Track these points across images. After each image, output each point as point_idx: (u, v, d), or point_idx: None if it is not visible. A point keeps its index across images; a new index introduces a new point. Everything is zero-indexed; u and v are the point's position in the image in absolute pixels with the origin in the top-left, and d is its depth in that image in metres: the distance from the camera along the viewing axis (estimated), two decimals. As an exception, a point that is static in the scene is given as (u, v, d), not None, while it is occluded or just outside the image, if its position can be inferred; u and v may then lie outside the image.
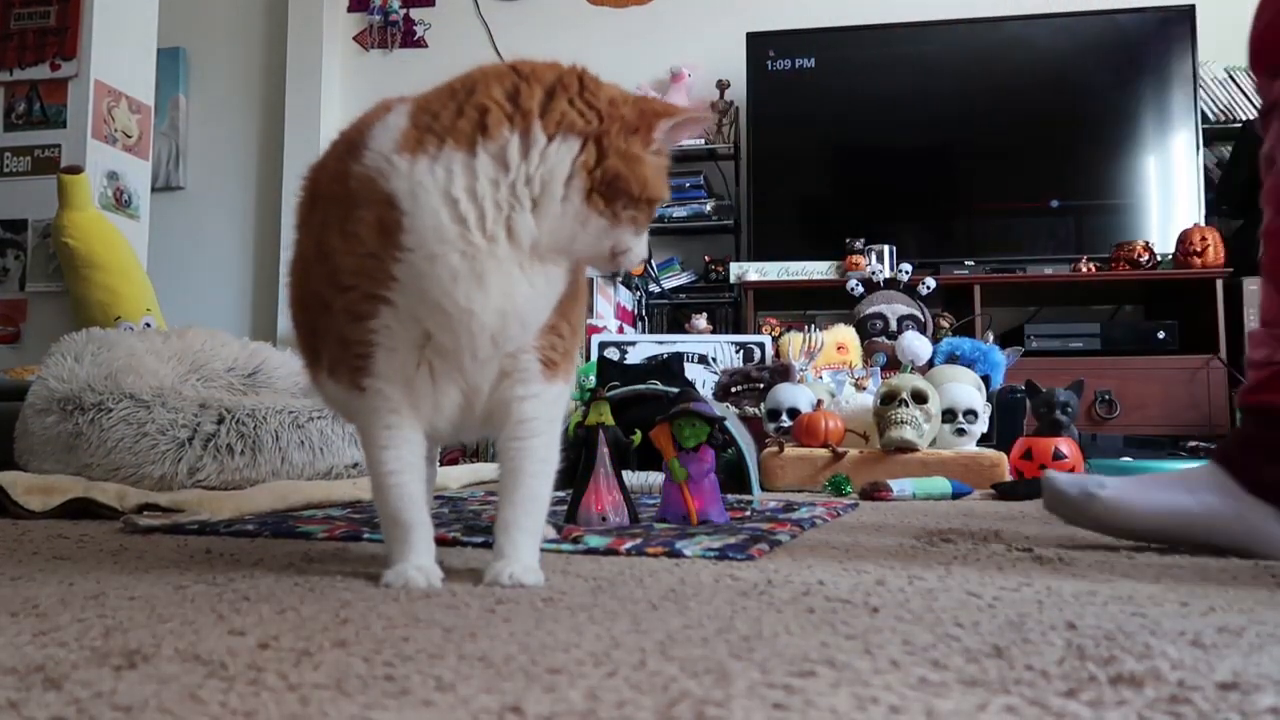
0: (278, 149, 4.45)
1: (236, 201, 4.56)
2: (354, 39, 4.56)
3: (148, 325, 2.78)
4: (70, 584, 0.88)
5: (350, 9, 4.56)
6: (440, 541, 1.06)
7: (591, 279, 3.06)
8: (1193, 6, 3.67)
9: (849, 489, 2.07)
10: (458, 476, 2.24)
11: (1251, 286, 3.36)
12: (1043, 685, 0.56)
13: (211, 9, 4.62)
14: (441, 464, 2.54)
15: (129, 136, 3.16)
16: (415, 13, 4.50)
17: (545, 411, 0.90)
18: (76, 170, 2.83)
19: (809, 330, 3.02)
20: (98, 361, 1.82)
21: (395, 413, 0.88)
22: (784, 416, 2.39)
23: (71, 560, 1.04)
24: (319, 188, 0.91)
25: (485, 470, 2.43)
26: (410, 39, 4.50)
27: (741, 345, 3.13)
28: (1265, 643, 0.67)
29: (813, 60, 3.91)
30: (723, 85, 4.07)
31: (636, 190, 0.83)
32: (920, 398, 2.22)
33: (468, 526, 1.30)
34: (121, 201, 3.11)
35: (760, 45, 3.93)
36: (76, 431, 1.70)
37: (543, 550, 1.12)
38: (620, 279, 3.56)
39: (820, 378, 2.73)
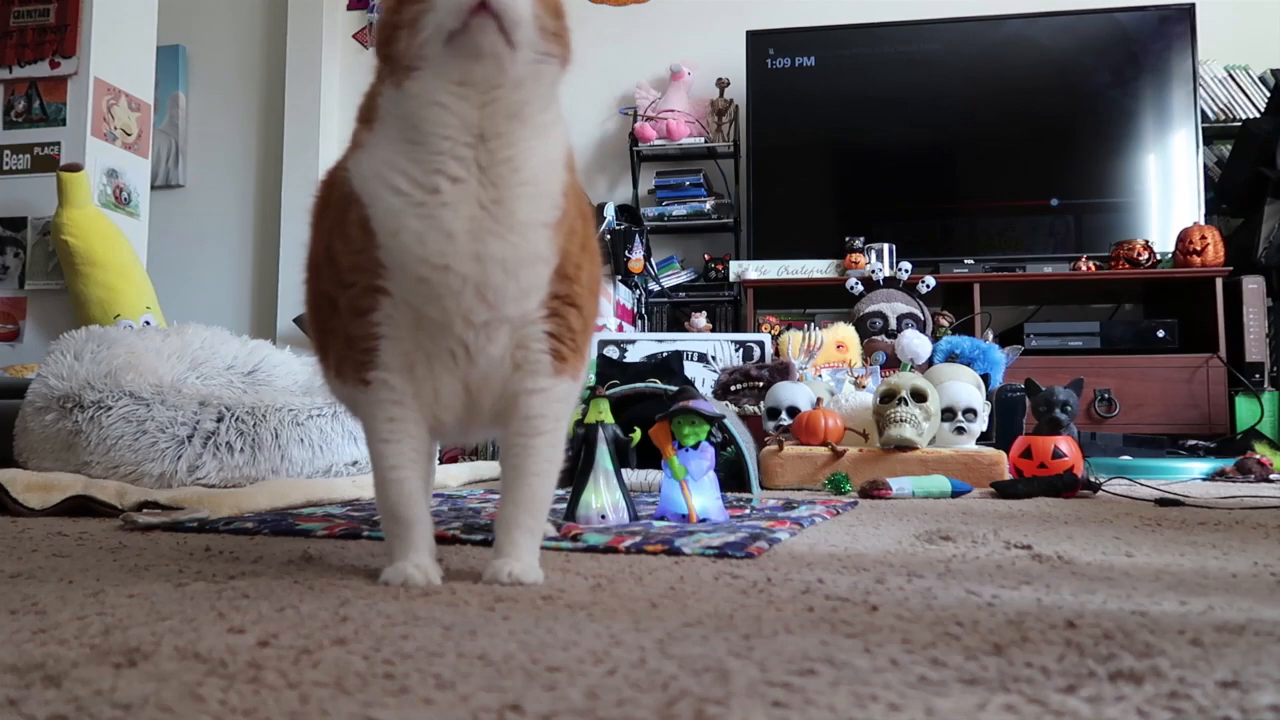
0: (277, 147, 4.45)
1: (236, 199, 4.55)
2: (354, 37, 4.55)
3: (147, 323, 2.78)
4: (70, 581, 0.88)
5: (350, 7, 4.56)
6: (440, 539, 1.06)
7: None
8: (1193, 5, 3.67)
9: (848, 487, 2.07)
10: (457, 475, 2.24)
11: (1251, 285, 3.36)
12: (1042, 682, 0.56)
13: (211, 6, 4.61)
14: (441, 462, 2.54)
15: (128, 134, 3.16)
16: (415, 10, 4.50)
17: (552, 409, 0.90)
18: (76, 168, 2.83)
19: (809, 328, 3.02)
20: (97, 359, 1.82)
21: (399, 404, 0.88)
22: (783, 415, 2.39)
23: (71, 558, 1.04)
24: (329, 192, 0.93)
25: (485, 468, 2.43)
26: (410, 37, 4.49)
27: (741, 343, 3.13)
28: (1265, 641, 0.67)
29: (813, 59, 3.91)
30: (723, 83, 4.07)
31: (397, 16, 0.82)
32: (920, 396, 2.22)
33: (467, 525, 1.30)
34: (121, 199, 3.11)
35: (760, 43, 3.92)
36: (76, 429, 1.70)
37: (542, 548, 1.12)
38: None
39: (820, 376, 2.73)
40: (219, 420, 1.74)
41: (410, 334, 0.86)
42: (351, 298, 0.86)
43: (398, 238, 0.82)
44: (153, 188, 3.37)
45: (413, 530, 0.89)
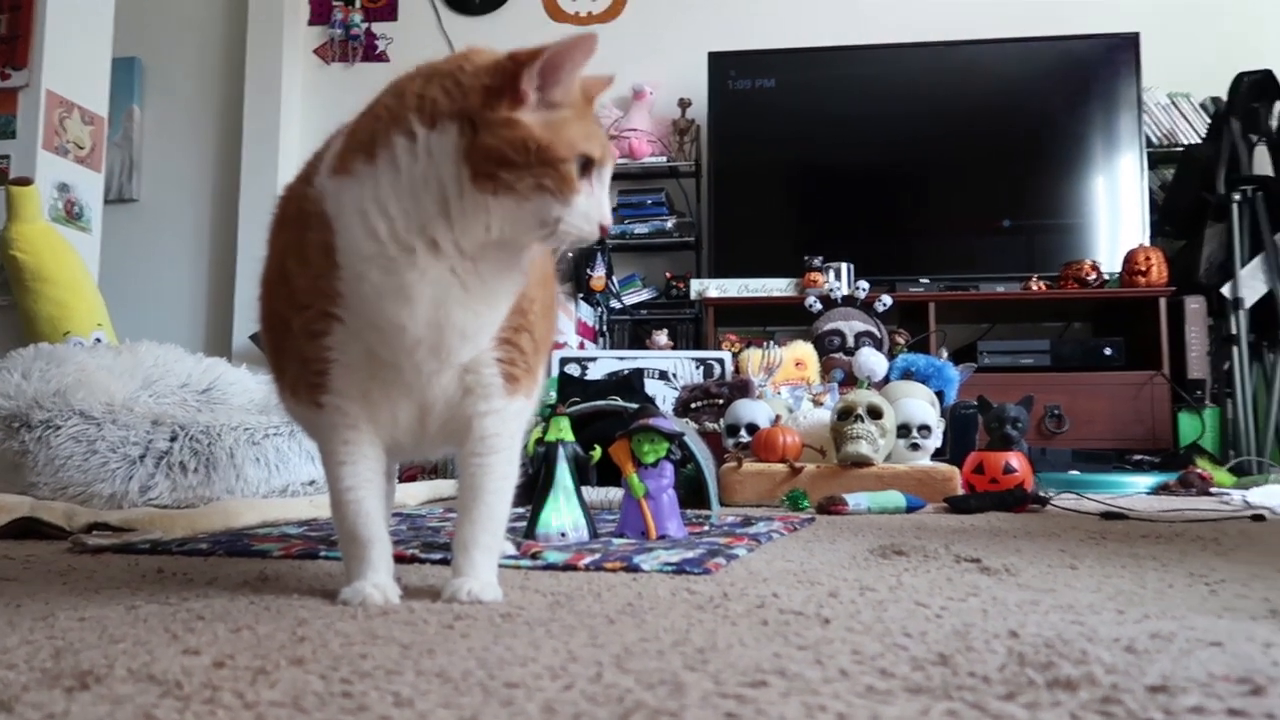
0: (235, 162, 4.40)
1: (191, 215, 4.49)
2: (315, 52, 4.53)
3: (98, 340, 2.74)
4: (17, 605, 0.87)
5: (311, 22, 4.54)
6: (398, 559, 1.06)
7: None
8: (1137, 35, 3.80)
9: (806, 503, 2.10)
10: (416, 494, 2.23)
11: (1193, 305, 3.47)
12: (984, 690, 0.58)
13: (168, 18, 4.56)
14: (400, 481, 2.52)
15: (81, 148, 3.11)
16: (377, 27, 4.50)
17: (505, 427, 0.90)
18: (26, 182, 2.78)
19: (768, 346, 3.05)
20: (46, 377, 1.79)
21: (353, 428, 0.88)
22: (743, 432, 2.41)
23: (18, 581, 1.02)
24: (287, 208, 0.91)
25: (444, 487, 2.42)
26: (372, 53, 4.49)
27: (702, 361, 3.16)
28: (1194, 648, 0.70)
29: (773, 80, 3.97)
30: (685, 103, 4.12)
31: (520, 157, 0.77)
32: (875, 413, 2.26)
33: (426, 543, 1.30)
34: (72, 214, 3.06)
35: (721, 65, 3.98)
36: (23, 449, 1.66)
37: (501, 566, 1.13)
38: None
39: (779, 393, 2.77)
40: (172, 439, 1.72)
41: (363, 360, 0.85)
42: (305, 320, 0.85)
43: (360, 284, 0.80)
44: (106, 202, 3.32)
45: (371, 550, 0.89)
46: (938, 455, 2.44)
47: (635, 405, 2.00)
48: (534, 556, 1.17)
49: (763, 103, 3.96)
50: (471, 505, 0.90)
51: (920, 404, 2.37)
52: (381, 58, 4.49)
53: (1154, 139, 3.86)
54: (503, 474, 0.90)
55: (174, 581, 1.02)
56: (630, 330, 4.00)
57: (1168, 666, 0.63)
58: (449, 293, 0.80)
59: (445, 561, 1.15)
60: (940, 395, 2.55)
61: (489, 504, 0.90)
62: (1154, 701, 0.55)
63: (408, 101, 0.79)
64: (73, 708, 0.53)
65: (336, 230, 0.80)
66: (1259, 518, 1.82)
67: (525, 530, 1.38)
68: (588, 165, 0.80)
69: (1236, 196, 3.39)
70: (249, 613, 0.83)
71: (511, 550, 1.20)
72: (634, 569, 1.10)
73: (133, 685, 0.58)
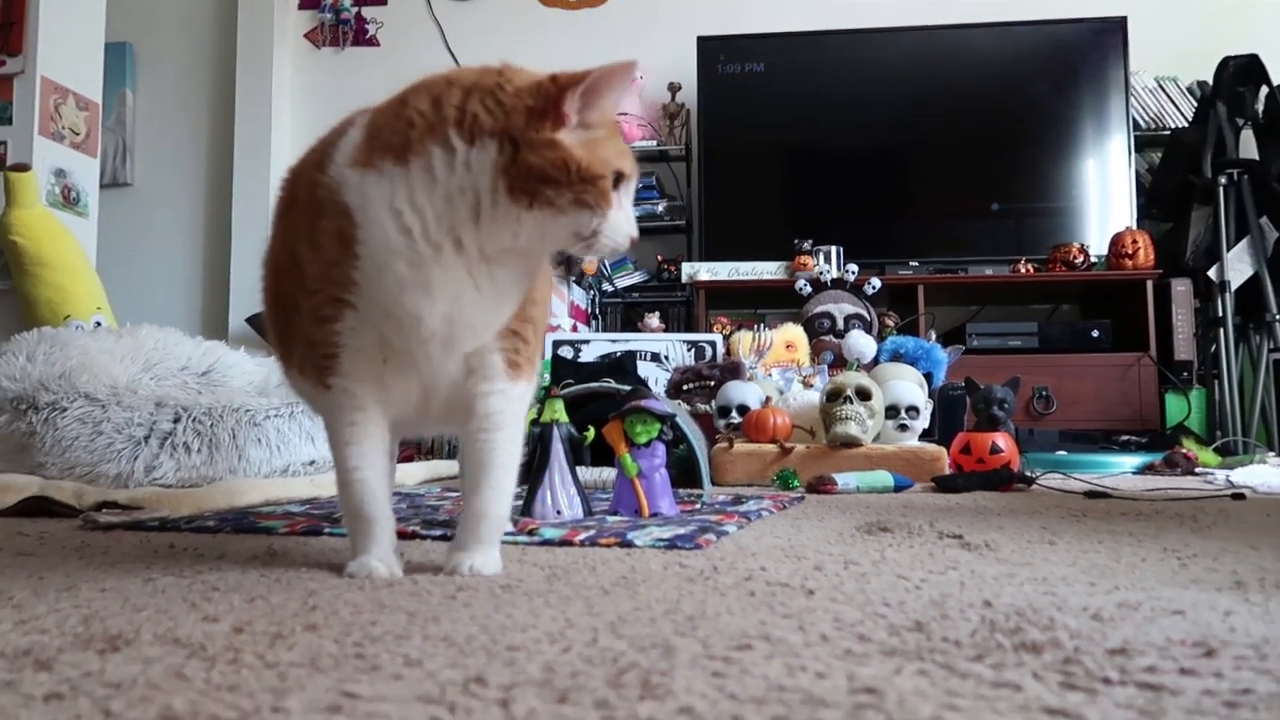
0: (227, 146, 4.41)
1: (186, 198, 4.50)
2: (305, 36, 4.53)
3: (98, 324, 2.76)
4: (40, 577, 0.90)
5: (301, 6, 4.53)
6: (400, 535, 1.10)
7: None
8: (1124, 19, 3.82)
9: (796, 483, 2.14)
10: (414, 474, 2.27)
11: (1179, 287, 3.52)
12: (954, 653, 0.62)
13: (159, 3, 4.55)
14: (398, 461, 2.56)
15: (76, 134, 3.12)
16: (367, 11, 4.49)
17: (510, 407, 0.93)
18: (24, 168, 2.79)
19: (758, 329, 3.09)
20: (50, 360, 1.82)
21: (360, 409, 0.91)
22: (734, 413, 2.46)
23: (37, 556, 1.06)
24: (296, 191, 0.92)
25: (441, 467, 2.47)
26: (362, 37, 4.49)
27: (693, 343, 3.19)
28: (1157, 616, 0.74)
29: (762, 65, 3.99)
30: (674, 88, 4.13)
31: (562, 175, 0.81)
32: (864, 394, 2.30)
33: (426, 521, 1.34)
34: (69, 199, 3.07)
35: (711, 49, 3.99)
36: (30, 431, 1.70)
37: (500, 542, 1.17)
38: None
39: (769, 375, 2.81)
40: (176, 421, 1.75)
41: (373, 344, 0.88)
42: (315, 305, 0.87)
43: (383, 275, 0.83)
44: (100, 187, 3.33)
45: (375, 526, 0.93)
46: (926, 436, 2.48)
47: (628, 387, 2.04)
48: (531, 533, 1.21)
49: (752, 87, 3.98)
50: (478, 480, 0.93)
51: (909, 385, 2.41)
52: (372, 42, 4.49)
53: (1141, 122, 3.89)
54: (508, 450, 0.93)
55: (186, 556, 1.06)
56: (622, 313, 4.03)
57: (1130, 632, 0.68)
58: (464, 290, 0.84)
59: (445, 538, 1.19)
60: (929, 377, 2.59)
61: (496, 479, 0.93)
62: (1111, 662, 0.59)
63: (446, 113, 0.82)
64: (107, 667, 0.56)
65: (360, 222, 0.83)
66: (1239, 496, 1.87)
67: (522, 508, 1.42)
68: (618, 180, 0.85)
69: (1223, 180, 3.43)
70: (261, 584, 0.87)
71: (509, 527, 1.24)
72: (628, 544, 1.14)
73: (160, 648, 0.62)
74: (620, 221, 0.85)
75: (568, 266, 3.67)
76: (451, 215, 0.82)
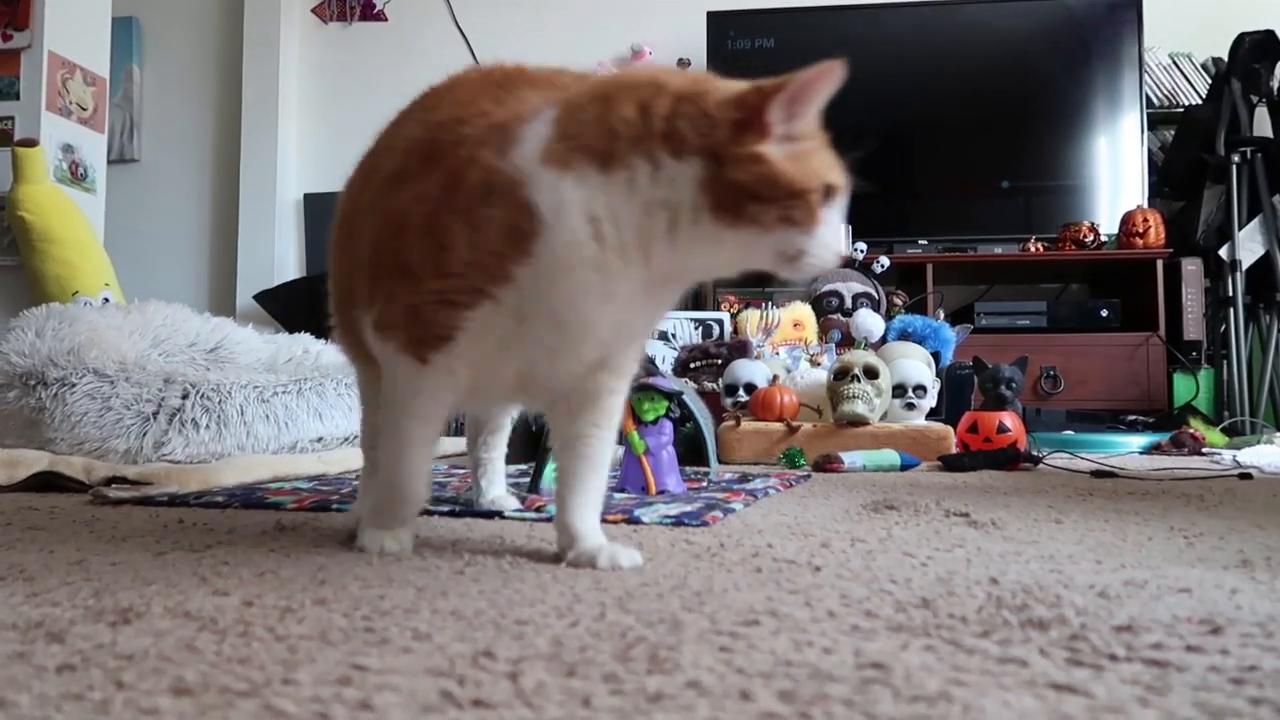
0: (235, 121, 4.39)
1: (193, 174, 4.49)
2: (312, 11, 4.50)
3: (106, 300, 2.77)
4: (51, 551, 0.91)
5: (308, -20, 4.50)
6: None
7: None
8: (1139, -8, 3.77)
9: (803, 461, 2.14)
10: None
11: (1190, 267, 3.49)
12: (961, 629, 0.62)
13: (164, -23, 4.52)
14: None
15: (84, 109, 3.11)
16: (375, -15, 4.46)
17: (621, 406, 0.94)
18: (31, 143, 2.79)
19: (766, 307, 3.08)
20: (59, 336, 1.83)
21: (449, 390, 0.88)
22: (741, 391, 2.46)
23: (47, 530, 1.07)
24: (445, 150, 0.84)
25: (446, 444, 2.47)
26: (370, 12, 4.45)
27: (701, 322, 3.19)
28: (1164, 594, 0.74)
29: (772, 41, 3.95)
30: (684, 64, 4.10)
31: (769, 191, 0.76)
32: (872, 373, 2.29)
33: (434, 497, 1.34)
34: (77, 175, 3.07)
35: (720, 24, 3.96)
36: (39, 406, 1.71)
37: (507, 519, 1.18)
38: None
39: (776, 354, 2.80)
40: (184, 397, 1.76)
41: (498, 333, 0.83)
42: (450, 287, 0.81)
43: (564, 279, 0.78)
44: (108, 162, 3.32)
45: (407, 506, 0.92)
46: (933, 415, 2.48)
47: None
48: (538, 510, 1.21)
49: (762, 63, 3.88)
50: (588, 474, 0.92)
51: (916, 364, 2.41)
52: (379, 17, 4.46)
53: (1155, 99, 3.85)
54: (611, 448, 0.94)
55: (195, 531, 1.07)
56: (631, 291, 4.02)
57: (1136, 610, 0.68)
58: (640, 303, 0.83)
59: (453, 514, 1.19)
60: (936, 356, 2.59)
61: (602, 475, 0.93)
62: (1118, 639, 0.59)
63: (654, 125, 0.78)
64: (119, 639, 0.57)
65: (548, 224, 0.77)
66: (1246, 476, 1.86)
67: (529, 485, 1.42)
68: (827, 194, 0.80)
69: (1236, 158, 3.39)
70: (270, 559, 0.87)
71: (515, 504, 1.25)
72: (635, 521, 1.15)
73: (170, 621, 0.62)
74: (829, 239, 0.80)
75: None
76: (649, 229, 0.78)
